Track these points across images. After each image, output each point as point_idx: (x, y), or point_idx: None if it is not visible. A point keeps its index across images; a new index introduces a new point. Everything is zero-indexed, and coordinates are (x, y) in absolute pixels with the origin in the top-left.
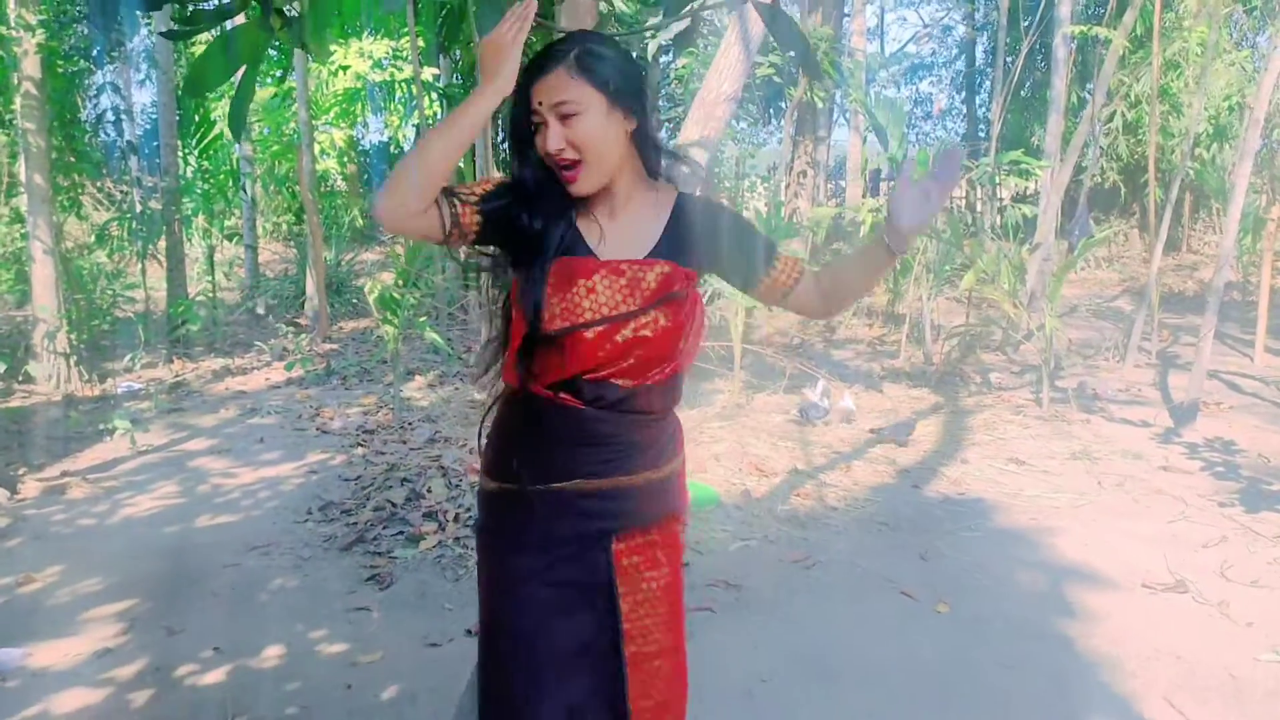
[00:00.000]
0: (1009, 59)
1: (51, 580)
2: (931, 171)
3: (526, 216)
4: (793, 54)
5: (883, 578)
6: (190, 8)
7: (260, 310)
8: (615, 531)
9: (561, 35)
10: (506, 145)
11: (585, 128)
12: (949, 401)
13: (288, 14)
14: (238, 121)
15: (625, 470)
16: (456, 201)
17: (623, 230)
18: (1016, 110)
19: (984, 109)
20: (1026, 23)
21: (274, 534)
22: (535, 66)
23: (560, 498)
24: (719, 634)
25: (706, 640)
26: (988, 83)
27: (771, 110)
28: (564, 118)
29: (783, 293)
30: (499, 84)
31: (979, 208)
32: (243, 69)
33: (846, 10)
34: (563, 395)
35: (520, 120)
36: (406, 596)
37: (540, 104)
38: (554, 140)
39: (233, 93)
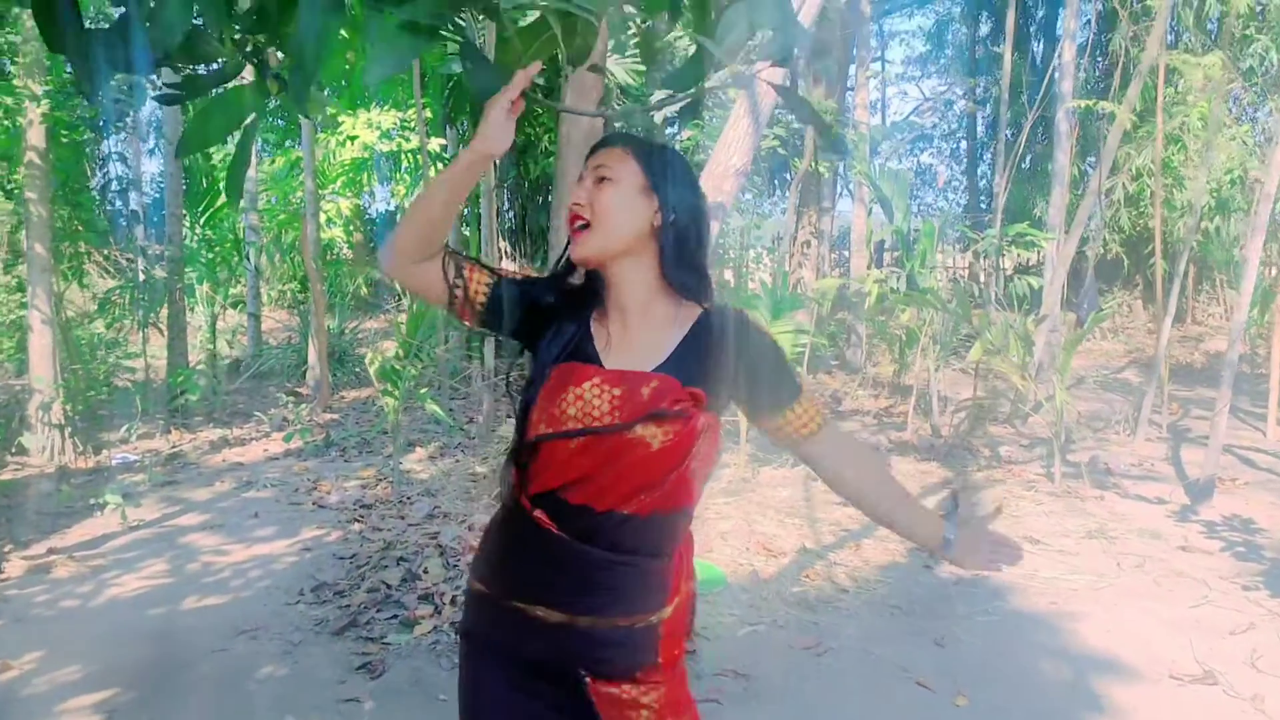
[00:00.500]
0: (1010, 132)
1: (29, 668)
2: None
3: (543, 310)
4: (812, 128)
5: (897, 666)
6: (184, 71)
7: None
8: (589, 672)
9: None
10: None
11: (611, 193)
12: (959, 476)
13: (281, 76)
14: (235, 186)
15: (596, 611)
16: (465, 268)
17: (634, 340)
18: (1019, 182)
19: (985, 181)
20: (1025, 96)
21: (264, 617)
22: (603, 141)
23: (527, 619)
24: None
25: None
26: (988, 155)
27: (776, 181)
28: (599, 180)
29: (794, 440)
30: (488, 143)
31: (983, 279)
32: (239, 133)
33: (850, 84)
34: (538, 514)
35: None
36: (399, 685)
37: (588, 165)
38: (579, 193)
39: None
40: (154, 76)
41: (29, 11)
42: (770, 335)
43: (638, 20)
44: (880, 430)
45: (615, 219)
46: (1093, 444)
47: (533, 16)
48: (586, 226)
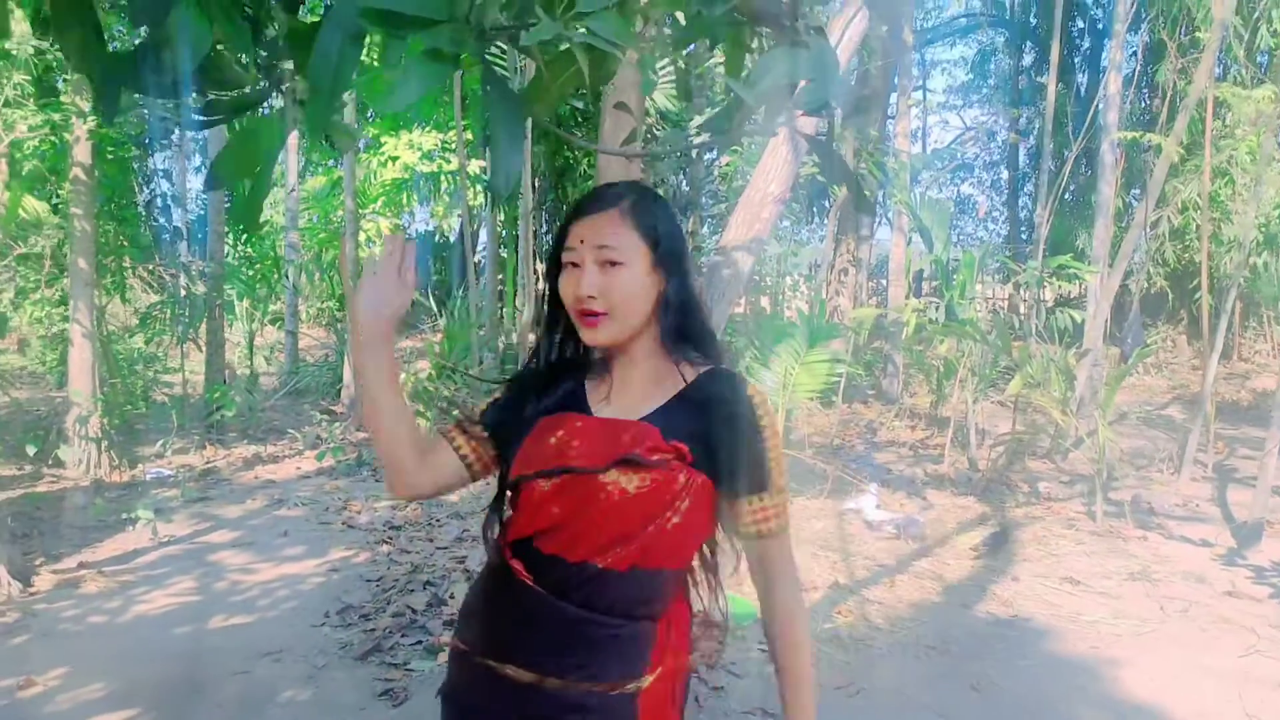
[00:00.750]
0: (1054, 163)
1: (53, 684)
2: None
3: (537, 390)
4: (847, 187)
5: (932, 711)
6: (208, 97)
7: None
8: None
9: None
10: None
11: (625, 280)
12: (996, 512)
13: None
14: (250, 213)
15: (565, 673)
16: (454, 435)
17: (627, 393)
18: (1060, 214)
19: (1025, 212)
20: (1070, 127)
21: (288, 638)
22: (584, 204)
23: (497, 679)
24: None
25: None
26: (1030, 186)
27: (815, 208)
28: (604, 263)
29: (748, 534)
30: (364, 320)
31: (1023, 311)
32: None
33: (890, 113)
34: (515, 563)
35: (554, 258)
36: (420, 713)
37: (582, 242)
38: (588, 284)
39: (283, 189)
40: (188, 100)
41: None
42: (770, 416)
43: (671, 59)
44: (916, 462)
45: (633, 305)
46: (1135, 482)
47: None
48: (597, 315)
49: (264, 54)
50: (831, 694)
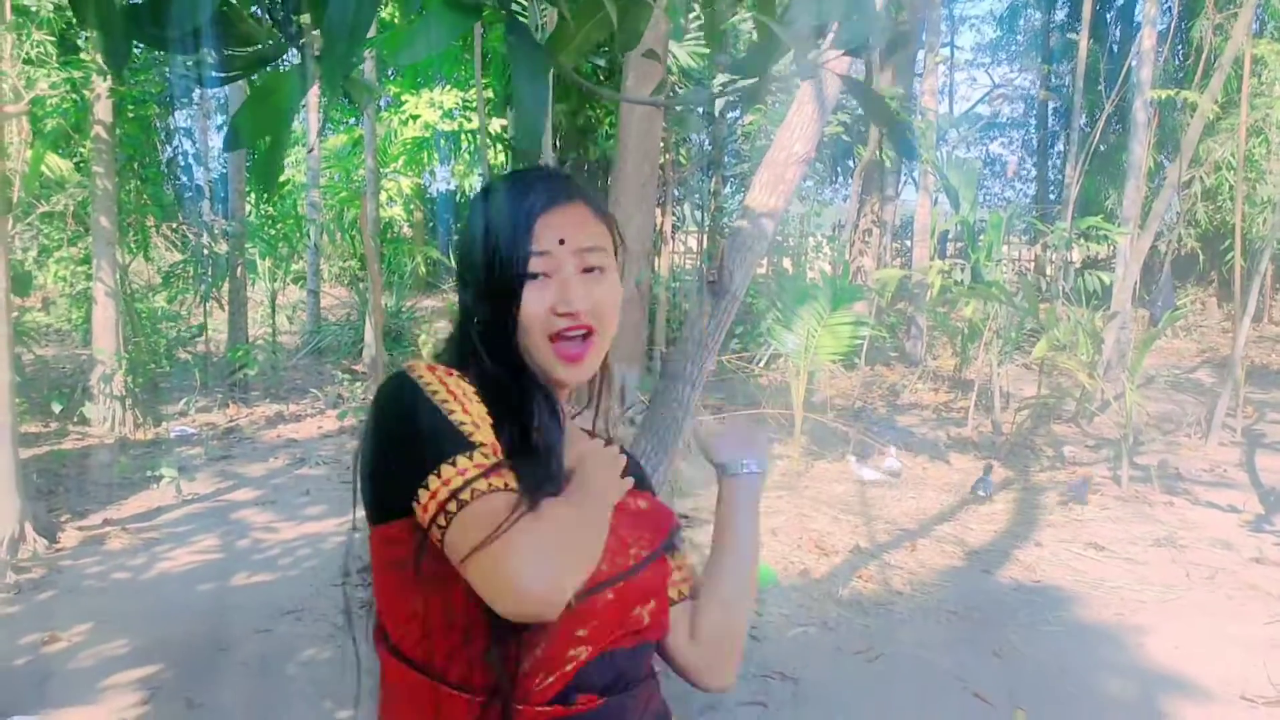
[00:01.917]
0: (1085, 122)
1: (78, 640)
2: None
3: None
4: (884, 130)
5: (953, 676)
6: (226, 53)
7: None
8: None
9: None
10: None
11: (609, 289)
12: (1020, 476)
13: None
14: (270, 176)
15: None
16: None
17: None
18: (1090, 174)
19: (1055, 171)
20: (1102, 85)
21: (309, 597)
22: (546, 192)
23: None
24: None
25: None
26: (1059, 145)
27: (839, 168)
28: (587, 270)
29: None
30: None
31: (1050, 273)
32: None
33: (917, 70)
34: (576, 702)
35: (514, 266)
36: None
37: (561, 243)
38: (580, 295)
39: (304, 146)
40: (203, 56)
41: None
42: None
43: (699, 2)
44: (940, 425)
45: (614, 318)
46: (1162, 447)
47: None
48: (585, 338)
49: (279, 6)
50: (851, 658)
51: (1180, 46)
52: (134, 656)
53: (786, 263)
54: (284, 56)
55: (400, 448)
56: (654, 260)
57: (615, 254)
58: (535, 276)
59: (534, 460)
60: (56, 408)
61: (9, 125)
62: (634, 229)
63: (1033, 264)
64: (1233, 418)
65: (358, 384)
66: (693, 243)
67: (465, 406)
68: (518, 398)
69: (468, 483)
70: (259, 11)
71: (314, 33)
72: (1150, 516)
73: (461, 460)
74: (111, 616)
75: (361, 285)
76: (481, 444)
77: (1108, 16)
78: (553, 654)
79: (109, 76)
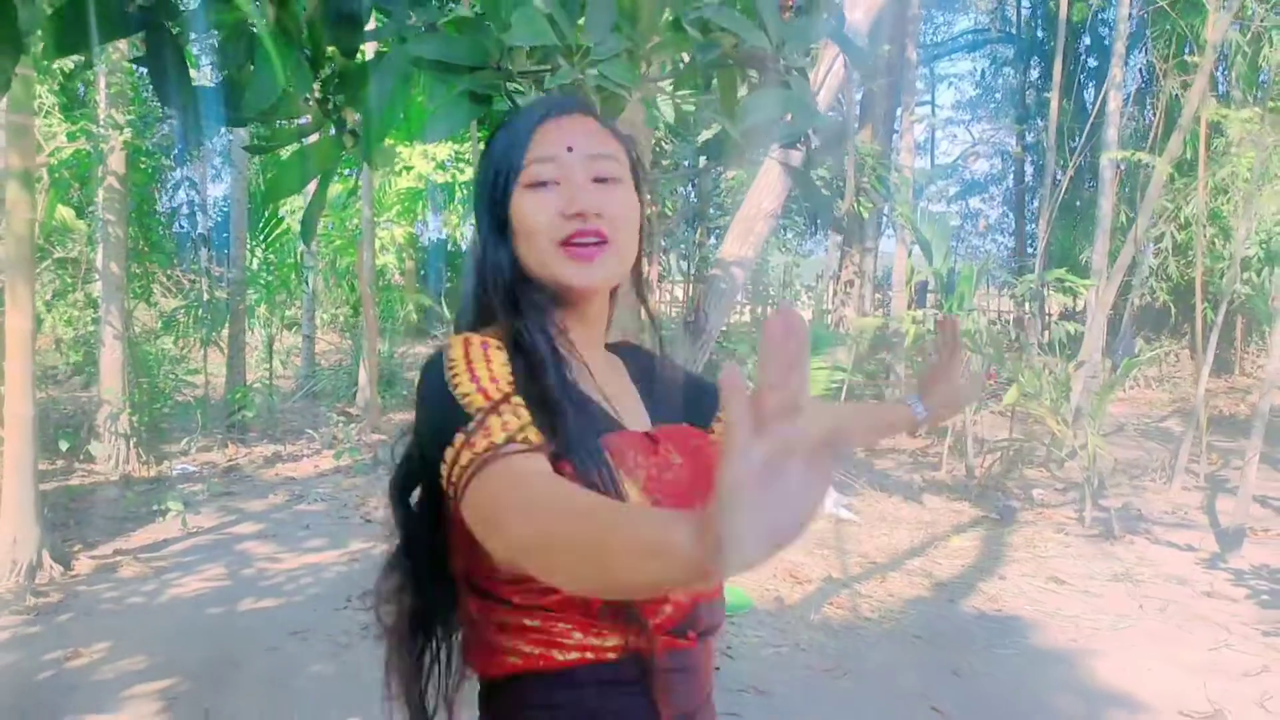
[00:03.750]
0: (1058, 178)
1: (98, 656)
2: (940, 350)
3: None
4: (816, 209)
5: (914, 692)
6: (271, 127)
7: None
8: None
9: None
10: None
11: (625, 201)
12: (988, 516)
13: (357, 132)
14: (309, 228)
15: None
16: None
17: (611, 390)
18: (1068, 227)
19: (1032, 225)
20: (1077, 143)
21: (314, 620)
22: (552, 105)
23: None
24: None
25: None
26: (1036, 200)
27: (819, 221)
28: (600, 179)
29: None
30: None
31: (1025, 323)
32: (316, 181)
33: (896, 126)
34: (686, 636)
35: (516, 174)
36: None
37: (570, 150)
38: (590, 200)
39: (303, 198)
40: (243, 127)
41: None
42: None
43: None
44: (915, 469)
45: (633, 238)
46: (1128, 490)
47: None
48: (598, 243)
49: (320, 91)
50: (820, 676)
51: (1151, 107)
52: (151, 671)
53: (770, 312)
54: (320, 129)
55: (422, 430)
56: (641, 309)
57: (634, 175)
58: (544, 185)
59: (539, 404)
60: (64, 446)
61: (33, 176)
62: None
63: (1012, 315)
64: (1196, 463)
65: (351, 426)
66: (679, 292)
67: (474, 371)
68: (521, 329)
69: (456, 461)
70: (307, 96)
71: (346, 109)
72: (1110, 554)
73: (458, 436)
74: (128, 636)
75: (355, 331)
76: (480, 408)
77: (1081, 77)
78: (679, 597)
79: (124, 130)
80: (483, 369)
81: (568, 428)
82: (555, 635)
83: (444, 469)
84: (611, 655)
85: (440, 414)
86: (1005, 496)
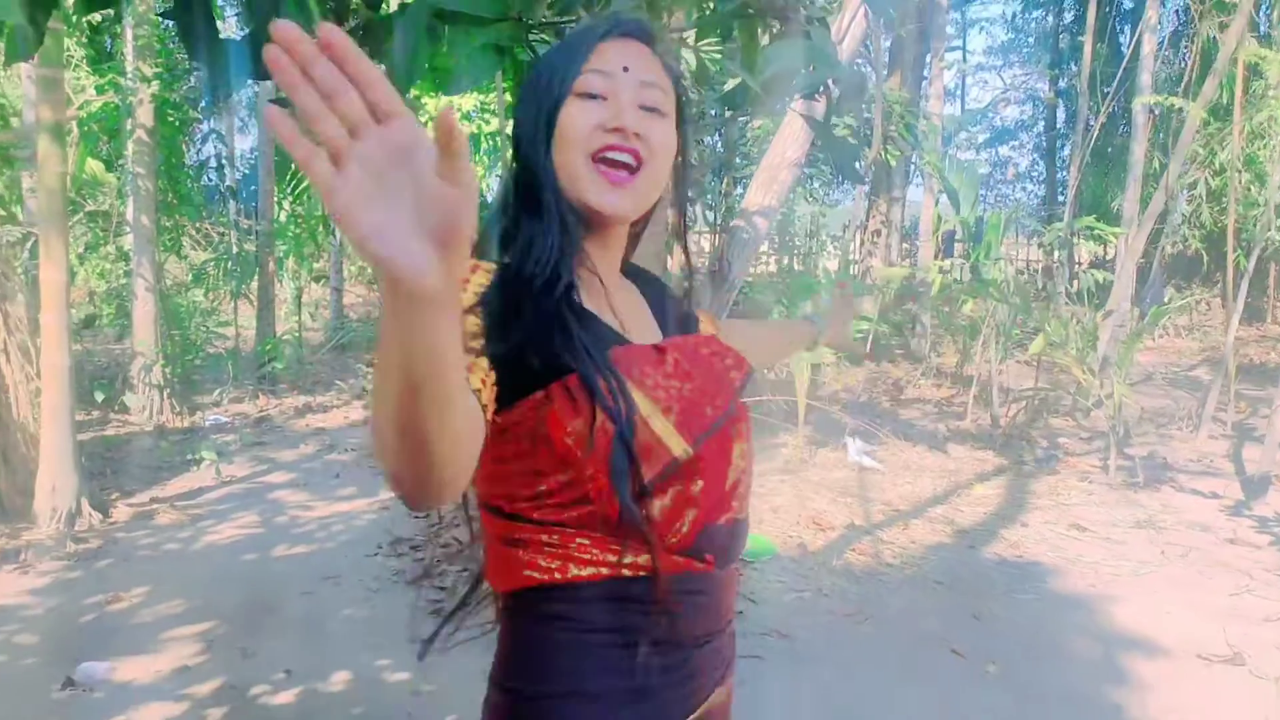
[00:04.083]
0: (1090, 123)
1: (137, 600)
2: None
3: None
4: (836, 161)
5: (933, 635)
6: None
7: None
8: None
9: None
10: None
11: (665, 130)
12: (1013, 464)
13: None
14: None
15: (730, 663)
16: (477, 382)
17: (624, 311)
18: (1100, 174)
19: (1064, 173)
20: (1109, 88)
21: (345, 566)
22: (615, 24)
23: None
24: (768, 681)
25: (755, 687)
26: (1068, 147)
27: (841, 173)
28: (645, 107)
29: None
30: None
31: (1054, 272)
32: None
33: (925, 73)
34: (703, 559)
35: (568, 79)
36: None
37: (625, 70)
38: (634, 119)
39: None
40: (269, 80)
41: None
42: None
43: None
44: (940, 419)
45: (665, 169)
46: (1154, 439)
47: None
48: (634, 167)
49: None
50: (841, 620)
51: (1186, 50)
52: (190, 614)
53: (796, 262)
54: None
55: None
56: (666, 259)
57: (679, 112)
58: (592, 97)
59: (549, 318)
60: (99, 397)
61: (63, 130)
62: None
63: (1041, 264)
64: (1224, 412)
65: None
66: (705, 243)
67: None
68: (538, 235)
69: None
70: None
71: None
72: (1134, 502)
73: None
74: (166, 581)
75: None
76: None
77: (1115, 20)
78: (676, 507)
79: (152, 83)
80: (472, 285)
81: (574, 339)
82: (571, 550)
83: None
84: (627, 572)
85: None
86: (1039, 445)
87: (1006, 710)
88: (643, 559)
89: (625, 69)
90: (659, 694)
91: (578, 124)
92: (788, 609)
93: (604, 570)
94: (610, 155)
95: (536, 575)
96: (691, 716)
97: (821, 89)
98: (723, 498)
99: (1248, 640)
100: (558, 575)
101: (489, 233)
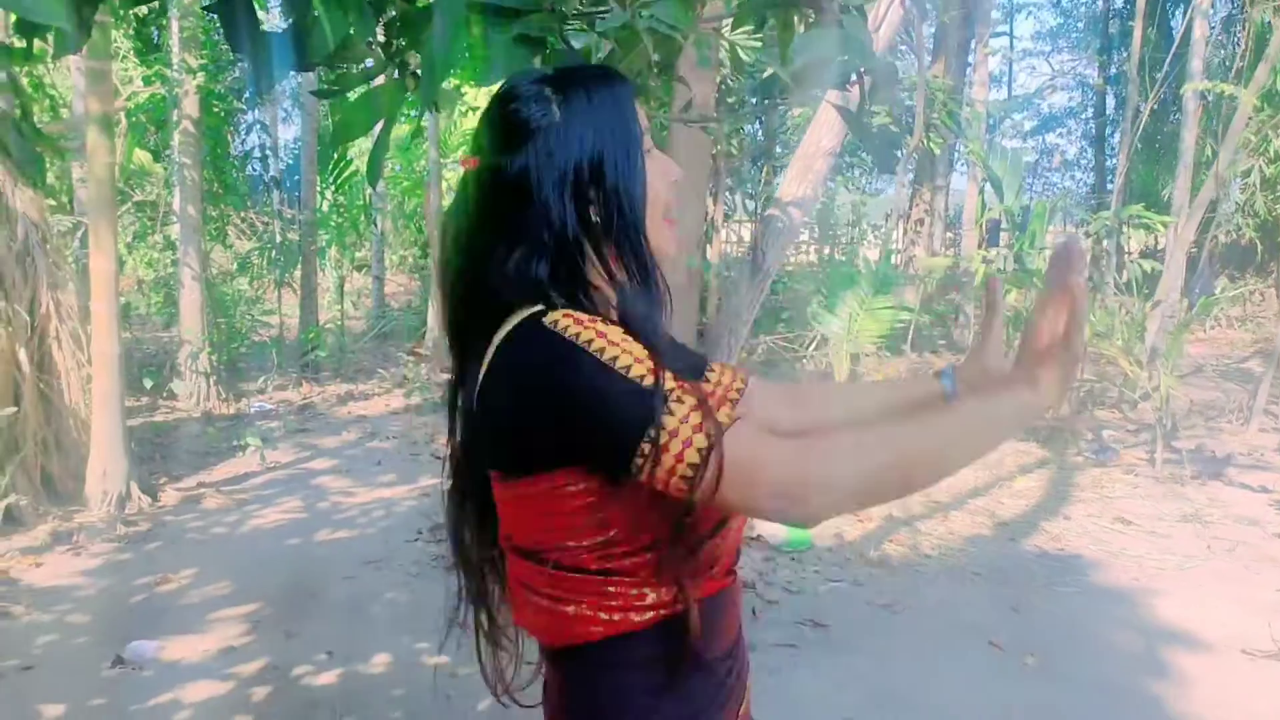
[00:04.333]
0: (1140, 110)
1: (185, 582)
2: (1050, 279)
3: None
4: (869, 152)
5: (971, 626)
6: (338, 71)
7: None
8: None
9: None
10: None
11: None
12: (1056, 457)
13: (420, 75)
14: (374, 170)
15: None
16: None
17: None
18: (1150, 162)
19: (1112, 160)
20: (1159, 74)
21: (386, 551)
22: (624, 78)
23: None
24: (803, 670)
25: (791, 676)
26: (1118, 134)
27: (876, 163)
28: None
29: None
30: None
31: (1102, 262)
32: (381, 123)
33: (970, 59)
34: (733, 573)
35: (638, 148)
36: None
37: (643, 123)
38: (675, 165)
39: (371, 141)
40: (310, 71)
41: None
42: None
43: (777, 25)
44: None
45: None
46: (1203, 432)
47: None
48: None
49: (384, 36)
50: (878, 610)
51: (1238, 35)
52: (236, 596)
53: (837, 251)
54: (383, 72)
55: (578, 415)
56: (705, 248)
57: None
58: (648, 152)
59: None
60: (148, 384)
61: (112, 120)
62: (686, 219)
63: (1089, 253)
64: (1277, 405)
65: (421, 366)
66: (745, 233)
67: (633, 353)
68: (658, 305)
69: (695, 435)
70: (371, 40)
71: (409, 53)
72: (1180, 495)
73: (664, 419)
74: (213, 563)
75: (424, 272)
76: (667, 387)
77: (1165, 4)
78: (731, 544)
79: (198, 74)
80: (632, 345)
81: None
82: (632, 599)
83: (654, 452)
84: (679, 607)
85: (613, 399)
86: (1084, 438)
87: (1045, 702)
88: (692, 593)
89: (645, 128)
90: (725, 703)
91: (658, 185)
92: (823, 599)
93: (662, 612)
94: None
95: (598, 630)
96: (739, 713)
97: (853, 79)
98: (741, 523)
99: None
100: (622, 627)
101: (541, 285)
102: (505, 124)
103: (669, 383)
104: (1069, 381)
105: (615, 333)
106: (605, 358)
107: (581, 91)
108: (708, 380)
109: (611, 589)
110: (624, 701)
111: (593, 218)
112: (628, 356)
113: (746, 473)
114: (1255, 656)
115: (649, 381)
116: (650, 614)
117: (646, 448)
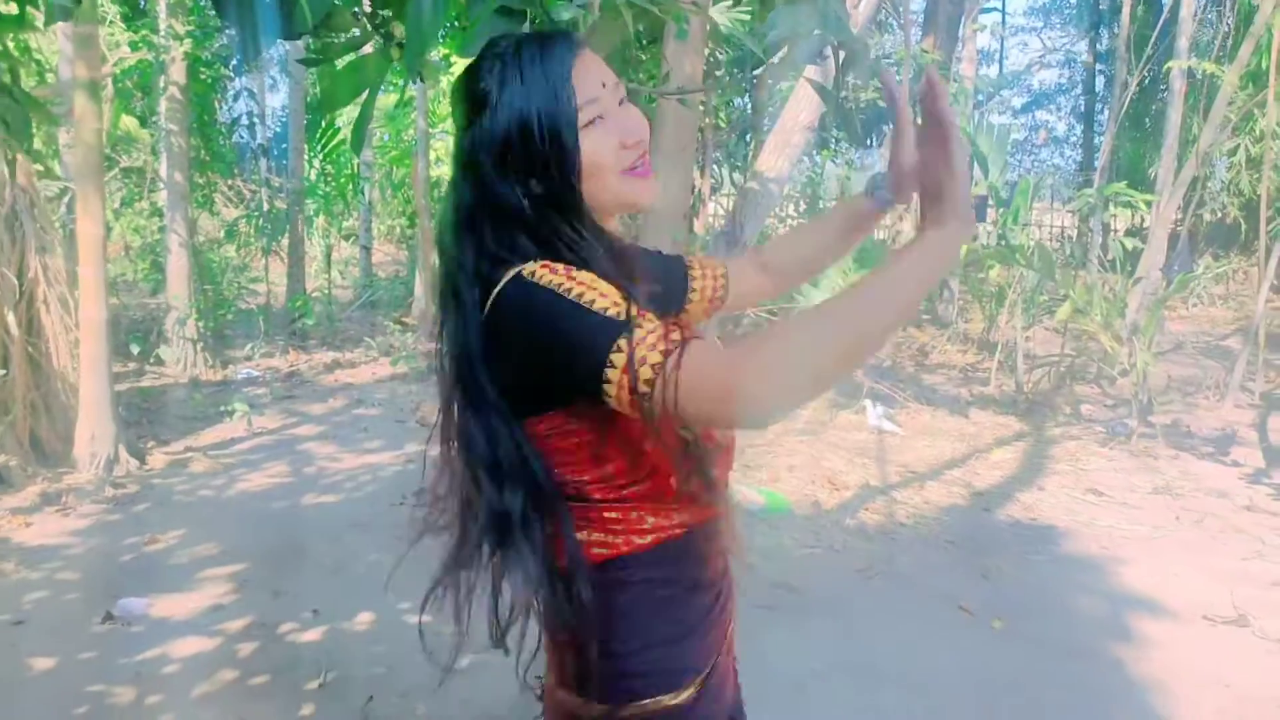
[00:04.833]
0: (1127, 87)
1: (173, 542)
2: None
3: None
4: (842, 127)
5: (942, 592)
6: (323, 39)
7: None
8: None
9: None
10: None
11: (639, 114)
12: (1034, 430)
13: (404, 46)
14: (358, 138)
15: None
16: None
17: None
18: (1137, 140)
19: (1101, 138)
20: (1149, 52)
21: (372, 514)
22: (575, 41)
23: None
24: (778, 631)
25: (766, 636)
26: (1107, 112)
27: (874, 133)
28: (621, 101)
29: (718, 304)
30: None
31: (1087, 238)
32: (366, 92)
33: (959, 34)
34: (722, 504)
35: (566, 121)
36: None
37: (604, 86)
38: (638, 124)
39: (357, 109)
40: (297, 40)
41: None
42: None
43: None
44: (964, 384)
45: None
46: (1179, 407)
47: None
48: (643, 155)
49: (369, 5)
50: (852, 576)
51: (1231, 13)
52: (223, 556)
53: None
54: (369, 42)
55: (556, 350)
56: (691, 221)
57: None
58: (592, 123)
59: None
60: (135, 349)
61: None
62: (672, 191)
63: (1075, 230)
64: (1252, 381)
65: (407, 335)
66: (730, 205)
67: (599, 290)
68: (608, 255)
69: (649, 353)
70: (356, 10)
71: (394, 23)
72: (1153, 469)
73: (622, 342)
74: (201, 525)
75: (411, 242)
76: (633, 315)
77: None
78: (725, 463)
79: (184, 41)
80: (600, 284)
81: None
82: (632, 523)
83: (617, 374)
84: (678, 531)
85: (584, 330)
86: (1063, 412)
87: (1011, 664)
88: (686, 518)
89: (604, 84)
90: (712, 625)
91: (603, 153)
92: (799, 564)
93: (661, 535)
94: (636, 168)
95: (603, 551)
96: (725, 637)
97: (822, 54)
98: (729, 450)
99: (1255, 603)
100: (623, 548)
101: (513, 249)
102: (455, 99)
103: (633, 311)
104: (966, 199)
105: (587, 276)
106: (573, 295)
107: (514, 63)
108: (693, 289)
109: (614, 514)
110: (621, 618)
111: (534, 187)
112: (593, 293)
113: (698, 381)
114: (1216, 622)
115: (613, 312)
116: (650, 537)
117: (611, 373)
